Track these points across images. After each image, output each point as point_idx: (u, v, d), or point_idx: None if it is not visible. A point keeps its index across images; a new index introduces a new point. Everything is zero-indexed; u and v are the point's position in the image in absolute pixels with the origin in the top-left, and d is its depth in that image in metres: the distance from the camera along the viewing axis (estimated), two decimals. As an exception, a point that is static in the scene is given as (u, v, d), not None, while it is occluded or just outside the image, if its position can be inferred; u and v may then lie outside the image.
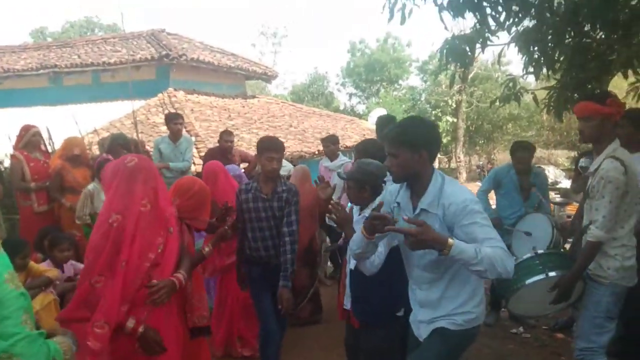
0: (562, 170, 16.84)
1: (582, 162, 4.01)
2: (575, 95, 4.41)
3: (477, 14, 4.02)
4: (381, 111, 11.35)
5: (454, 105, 23.87)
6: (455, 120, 23.64)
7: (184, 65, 11.88)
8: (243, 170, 6.30)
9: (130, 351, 2.25)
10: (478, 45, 4.34)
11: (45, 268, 3.86)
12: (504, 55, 4.72)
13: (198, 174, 6.05)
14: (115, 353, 2.21)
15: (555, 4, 4.19)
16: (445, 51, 4.25)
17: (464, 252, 1.93)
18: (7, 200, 5.70)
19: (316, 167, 6.84)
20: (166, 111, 10.19)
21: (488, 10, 4.07)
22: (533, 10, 4.01)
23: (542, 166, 14.42)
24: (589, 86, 4.37)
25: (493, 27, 4.15)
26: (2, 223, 5.02)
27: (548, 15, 4.01)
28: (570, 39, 4.27)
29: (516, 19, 4.18)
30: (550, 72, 4.54)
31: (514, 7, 4.04)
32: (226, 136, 5.95)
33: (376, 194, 2.71)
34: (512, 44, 4.40)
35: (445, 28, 4.10)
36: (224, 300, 4.06)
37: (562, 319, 4.51)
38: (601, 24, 3.95)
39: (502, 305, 4.80)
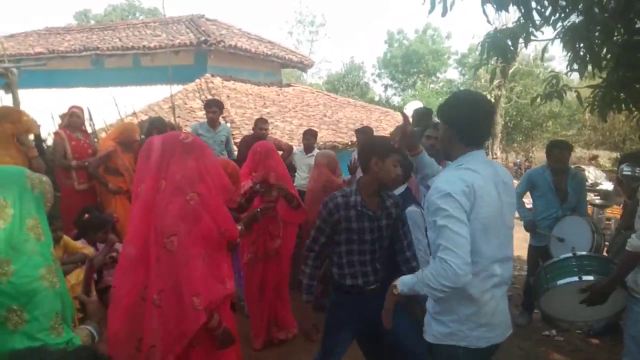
0: (603, 171, 16.28)
1: (625, 169, 3.87)
2: (622, 94, 4.24)
3: (521, 7, 3.89)
4: (417, 104, 11.16)
5: (493, 101, 23.33)
6: (492, 115, 23.14)
7: (221, 51, 11.97)
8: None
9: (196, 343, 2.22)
10: (521, 40, 4.21)
11: (81, 245, 3.99)
12: (547, 51, 4.56)
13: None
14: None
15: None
16: (486, 45, 4.13)
17: (406, 285, 2.01)
18: (50, 177, 5.89)
19: (348, 158, 6.83)
20: (203, 97, 10.34)
21: (533, 4, 3.93)
22: (581, 5, 3.86)
23: (582, 166, 14.00)
24: (637, 86, 4.19)
25: (538, 22, 4.02)
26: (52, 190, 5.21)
27: (597, 10, 3.85)
28: (619, 36, 4.09)
29: (562, 14, 4.02)
30: (595, 70, 4.38)
31: (560, 2, 3.89)
32: (261, 124, 5.99)
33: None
34: (557, 40, 4.25)
35: (488, 21, 3.99)
36: (262, 288, 4.04)
37: (598, 325, 4.37)
38: (654, 20, 3.78)
39: (534, 306, 4.73)
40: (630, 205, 3.83)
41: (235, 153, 6.35)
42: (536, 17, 3.99)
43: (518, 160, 26.02)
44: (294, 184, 5.25)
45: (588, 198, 6.25)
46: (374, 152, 2.59)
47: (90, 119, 6.76)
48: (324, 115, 12.89)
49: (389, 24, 71.56)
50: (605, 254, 4.29)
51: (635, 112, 4.47)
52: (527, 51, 24.61)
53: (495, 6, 3.89)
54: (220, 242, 2.31)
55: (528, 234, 4.75)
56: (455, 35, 54.44)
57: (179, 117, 8.60)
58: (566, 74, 4.76)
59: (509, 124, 24.94)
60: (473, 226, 1.91)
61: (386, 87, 35.17)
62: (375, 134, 7.73)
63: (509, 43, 4.12)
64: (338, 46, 61.38)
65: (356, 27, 66.13)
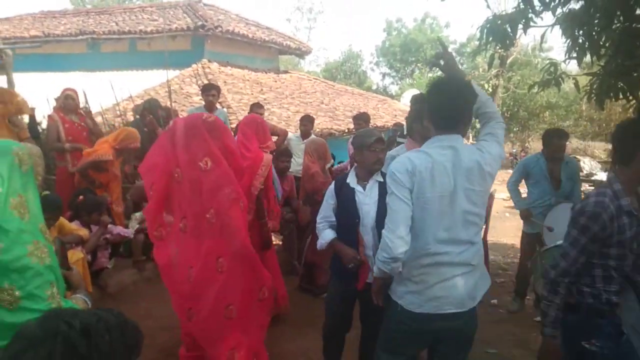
0: (598, 162, 16.35)
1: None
2: (620, 83, 4.23)
3: (521, -7, 3.88)
4: (414, 92, 11.17)
5: (490, 90, 23.30)
6: (490, 105, 23.10)
7: (219, 36, 11.88)
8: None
9: None
10: (520, 26, 4.19)
11: (76, 227, 3.99)
12: (546, 41, 4.54)
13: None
14: None
15: (606, -15, 3.99)
16: (485, 30, 4.11)
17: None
18: (44, 161, 5.86)
19: (345, 145, 6.82)
20: (200, 82, 10.28)
21: (533, -10, 3.91)
22: (581, -9, 3.84)
23: (578, 157, 14.04)
24: (635, 74, 4.18)
25: (537, 8, 3.99)
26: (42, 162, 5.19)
27: (596, -3, 3.83)
28: (619, 24, 4.07)
29: (562, 0, 4.01)
30: (594, 58, 4.36)
31: (560, -13, 3.87)
32: (257, 108, 5.96)
33: None
34: (556, 27, 4.23)
35: (488, 6, 3.97)
36: None
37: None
38: (654, 8, 3.76)
39: (527, 293, 4.76)
40: None
41: (232, 138, 6.32)
42: (536, 2, 3.97)
43: (514, 150, 26.06)
44: (290, 170, 5.27)
45: (582, 188, 6.27)
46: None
47: (87, 103, 6.71)
48: (321, 102, 12.85)
49: (387, 12, 71.20)
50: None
51: (633, 101, 4.46)
52: (526, 41, 24.57)
53: (494, -9, 3.86)
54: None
55: (522, 222, 4.76)
56: (454, 25, 54.26)
57: (175, 102, 8.55)
58: (564, 61, 4.73)
59: (505, 114, 24.93)
60: (415, 205, 2.04)
61: (384, 75, 35.13)
62: (372, 122, 7.73)
63: (508, 29, 4.10)
64: (336, 34, 61.05)
65: (354, 15, 65.78)
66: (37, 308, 1.57)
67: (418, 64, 32.01)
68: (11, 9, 35.99)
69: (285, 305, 4.09)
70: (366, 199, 2.82)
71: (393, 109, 14.84)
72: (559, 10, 4.06)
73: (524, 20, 4.15)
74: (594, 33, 3.98)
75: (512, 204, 7.58)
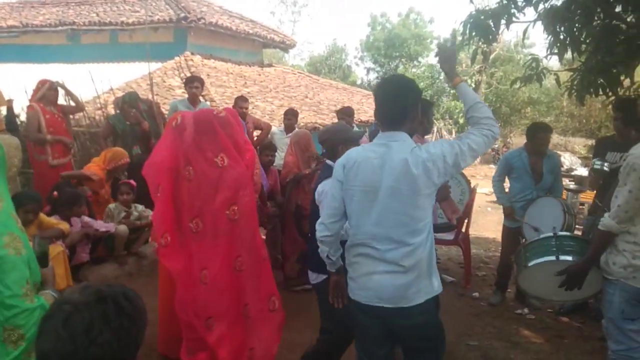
0: (578, 157, 16.60)
1: (595, 163, 3.94)
2: (600, 79, 4.29)
3: (504, -12, 3.91)
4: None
5: (473, 86, 23.48)
6: (473, 100, 23.26)
7: (202, 29, 11.74)
8: (255, 138, 6.31)
9: None
10: (503, 21, 4.22)
11: (56, 221, 3.93)
12: (528, 37, 4.59)
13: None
14: None
15: (587, -18, 4.04)
16: (468, 25, 4.14)
17: None
18: (22, 154, 5.75)
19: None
20: (182, 75, 10.16)
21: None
22: (562, -13, 3.89)
23: (559, 152, 14.23)
24: (615, 70, 4.25)
25: (520, 3, 4.03)
26: (17, 177, 5.09)
27: (578, -7, 3.88)
28: (599, 20, 4.13)
29: (544, -4, 4.05)
30: (575, 54, 4.42)
31: (543, -16, 3.91)
32: (241, 102, 5.92)
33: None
34: (538, 22, 4.27)
35: (471, 1, 3.99)
36: None
37: (568, 304, 4.40)
38: (633, 5, 3.81)
39: (508, 286, 4.82)
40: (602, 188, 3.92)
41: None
42: (518, -2, 4.01)
43: (496, 146, 26.25)
44: (274, 164, 5.25)
45: (563, 183, 6.36)
46: None
47: (66, 95, 6.60)
48: (305, 96, 12.81)
49: (372, 6, 71.18)
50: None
51: (612, 97, 4.53)
52: (508, 37, 24.76)
53: (478, -14, 3.88)
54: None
55: (503, 216, 4.81)
56: (438, 20, 54.45)
57: (157, 94, 8.45)
58: (546, 57, 4.79)
59: (488, 109, 25.12)
60: (345, 196, 2.18)
61: (368, 70, 35.05)
62: (356, 116, 7.72)
63: (491, 24, 4.13)
64: (321, 28, 60.89)
65: (339, 9, 65.60)
66: (12, 304, 1.53)
67: (402, 59, 32.07)
68: (-12, -1, 35.11)
69: None
70: None
71: (377, 104, 14.85)
72: (541, 6, 4.11)
73: (506, 16, 4.19)
74: (575, 29, 4.03)
75: (494, 199, 7.66)
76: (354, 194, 2.14)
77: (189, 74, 9.79)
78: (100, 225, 4.41)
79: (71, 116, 6.14)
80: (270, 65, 15.28)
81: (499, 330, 4.17)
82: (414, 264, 2.08)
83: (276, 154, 5.39)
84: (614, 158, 3.94)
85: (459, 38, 4.54)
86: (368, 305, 2.16)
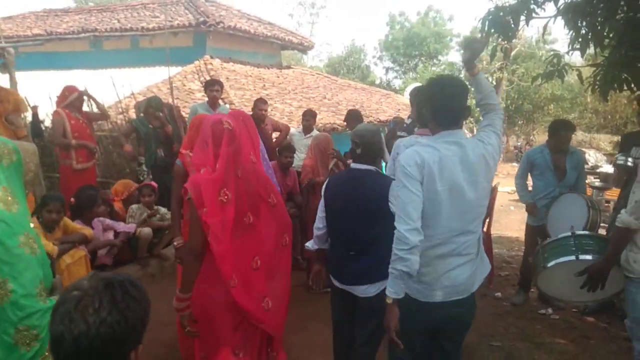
0: (603, 154, 16.25)
1: (618, 158, 3.86)
2: (624, 74, 4.19)
3: (523, -17, 3.84)
4: (417, 86, 11.10)
5: (494, 83, 23.11)
6: (494, 98, 22.96)
7: (220, 32, 11.85)
8: (275, 139, 6.34)
9: None
10: (522, 17, 4.15)
11: (80, 226, 4.01)
12: (549, 33, 4.52)
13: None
14: None
15: (609, -25, 3.94)
16: (487, 22, 4.08)
17: (389, 285, 2.11)
18: (47, 159, 5.89)
19: (347, 140, 6.78)
20: (202, 78, 10.27)
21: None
22: (583, -19, 3.80)
23: (584, 149, 13.96)
24: (639, 65, 4.14)
25: (540, -1, 3.96)
26: (42, 180, 5.21)
27: (600, -14, 3.79)
28: (622, 14, 4.03)
29: (565, -10, 3.97)
30: (597, 49, 4.32)
31: (563, -22, 3.83)
32: (260, 104, 5.95)
33: None
34: (559, 18, 4.19)
35: (490, -2, 3.93)
36: None
37: (593, 304, 4.33)
38: (658, -3, 3.71)
39: (531, 286, 4.75)
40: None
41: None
42: (538, -7, 3.93)
43: (519, 143, 25.93)
44: (293, 165, 5.26)
45: (588, 180, 6.21)
46: None
47: (89, 100, 6.73)
48: (323, 97, 12.81)
49: (390, 6, 70.82)
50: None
51: (637, 92, 4.42)
52: (529, 33, 24.40)
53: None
54: None
55: (526, 214, 4.74)
56: (458, 18, 53.99)
57: (177, 98, 8.54)
58: (568, 53, 4.69)
59: (510, 107, 24.74)
60: (425, 198, 2.08)
61: (387, 70, 34.96)
62: (375, 116, 7.68)
63: (510, 20, 4.06)
64: (339, 29, 60.84)
65: (357, 9, 65.48)
66: (26, 303, 1.57)
67: (421, 58, 31.85)
68: (14, 8, 36.05)
69: None
70: None
71: (396, 103, 14.77)
72: (561, 1, 4.02)
73: (526, 12, 4.12)
74: (597, 24, 3.93)
75: (517, 197, 7.56)
76: (439, 194, 2.09)
77: (208, 78, 9.89)
78: (122, 227, 4.50)
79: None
80: (288, 67, 15.33)
81: (522, 331, 4.11)
82: (478, 250, 2.25)
83: (295, 155, 5.40)
84: (639, 153, 3.85)
85: (478, 35, 4.48)
86: (440, 303, 2.19)
